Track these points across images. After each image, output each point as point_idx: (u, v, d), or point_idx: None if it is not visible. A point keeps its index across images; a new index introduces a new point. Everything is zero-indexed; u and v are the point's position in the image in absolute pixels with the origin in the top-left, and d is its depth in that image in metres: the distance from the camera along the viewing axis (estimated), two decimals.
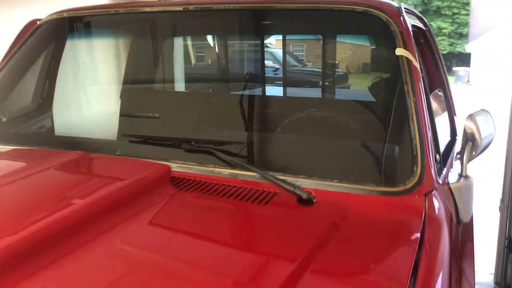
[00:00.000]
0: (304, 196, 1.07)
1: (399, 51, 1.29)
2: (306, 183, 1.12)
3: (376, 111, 1.39)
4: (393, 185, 1.11)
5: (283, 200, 1.08)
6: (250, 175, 1.17)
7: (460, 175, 1.34)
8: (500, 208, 2.98)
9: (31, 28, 1.96)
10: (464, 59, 27.47)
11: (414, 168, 1.12)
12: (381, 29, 1.34)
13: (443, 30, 30.40)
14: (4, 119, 1.70)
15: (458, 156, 1.70)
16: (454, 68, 25.59)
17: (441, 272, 0.86)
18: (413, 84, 1.24)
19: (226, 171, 1.20)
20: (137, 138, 1.37)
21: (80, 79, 2.01)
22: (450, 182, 1.30)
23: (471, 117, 1.37)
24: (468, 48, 25.58)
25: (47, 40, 1.83)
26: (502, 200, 2.95)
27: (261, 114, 1.50)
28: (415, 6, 28.39)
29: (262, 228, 1.02)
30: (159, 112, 1.62)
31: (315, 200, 1.08)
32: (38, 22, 1.95)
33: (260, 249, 0.91)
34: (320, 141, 1.37)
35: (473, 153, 1.38)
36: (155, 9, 1.61)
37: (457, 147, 1.84)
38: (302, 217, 1.04)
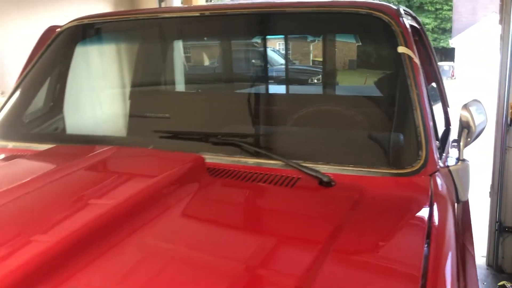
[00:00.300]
0: (325, 179, 1.20)
1: (401, 49, 1.43)
2: (325, 169, 1.26)
3: (383, 104, 1.53)
4: (402, 167, 1.25)
5: (306, 184, 1.21)
6: (273, 163, 1.31)
7: (458, 159, 1.50)
8: (490, 194, 3.16)
9: (50, 34, 2.07)
10: (448, 54, 27.89)
11: (420, 152, 1.27)
12: (383, 29, 1.49)
13: (426, 26, 30.78)
14: (34, 120, 1.81)
15: (454, 143, 1.86)
16: (439, 63, 25.92)
17: (451, 240, 0.99)
18: (415, 78, 1.38)
19: (251, 161, 1.33)
20: (168, 133, 1.47)
21: (103, 83, 2.13)
22: (449, 165, 1.45)
23: (465, 106, 1.54)
24: (452, 43, 25.98)
25: (70, 45, 1.94)
26: (492, 186, 3.13)
27: (279, 110, 1.65)
28: (399, 2, 28.74)
29: (294, 206, 1.14)
30: (181, 111, 1.77)
31: (333, 183, 1.22)
32: (56, 29, 2.07)
33: (296, 224, 1.05)
34: (335, 132, 1.52)
35: (468, 139, 1.54)
36: (174, 15, 1.75)
37: (452, 135, 1.99)
38: (326, 197, 1.17)
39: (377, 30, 1.53)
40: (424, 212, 1.09)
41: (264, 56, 1.97)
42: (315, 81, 2.00)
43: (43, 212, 0.98)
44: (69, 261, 0.81)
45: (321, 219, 1.06)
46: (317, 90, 1.97)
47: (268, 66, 2.09)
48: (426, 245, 0.92)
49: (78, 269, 0.80)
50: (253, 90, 1.82)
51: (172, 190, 1.12)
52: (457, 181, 1.43)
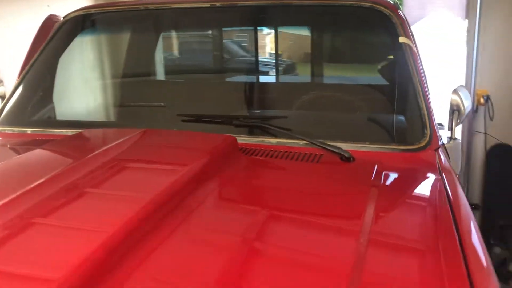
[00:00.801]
0: (346, 155, 1.34)
1: (402, 39, 1.59)
2: (343, 146, 1.40)
3: (390, 90, 1.69)
4: (411, 144, 1.42)
5: (329, 160, 1.35)
6: (295, 142, 1.43)
7: (450, 138, 1.69)
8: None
9: (49, 24, 2.10)
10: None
11: (425, 130, 1.43)
12: (385, 22, 1.64)
13: None
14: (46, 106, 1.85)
15: (439, 126, 2.07)
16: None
17: (467, 205, 1.13)
18: (416, 66, 1.55)
19: (274, 140, 1.45)
20: (191, 116, 1.56)
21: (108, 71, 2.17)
22: (444, 143, 1.63)
23: (455, 91, 1.73)
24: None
25: (73, 35, 1.97)
26: (460, 167, 3.39)
27: (296, 94, 1.79)
28: None
29: (329, 178, 1.30)
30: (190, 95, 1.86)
31: (353, 158, 1.36)
32: (54, 19, 2.10)
33: (334, 192, 1.20)
34: (351, 114, 1.69)
35: (458, 120, 1.74)
36: (178, 5, 1.82)
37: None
38: (351, 170, 1.32)
39: (379, 22, 1.69)
40: (438, 181, 1.24)
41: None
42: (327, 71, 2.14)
43: (100, 198, 0.98)
44: (135, 246, 0.79)
45: (356, 188, 1.20)
46: (332, 79, 2.12)
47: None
48: (450, 211, 1.06)
49: (145, 254, 0.79)
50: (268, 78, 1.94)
51: (220, 168, 1.19)
52: (451, 157, 1.62)
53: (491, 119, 3.10)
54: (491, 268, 0.86)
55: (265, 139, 1.46)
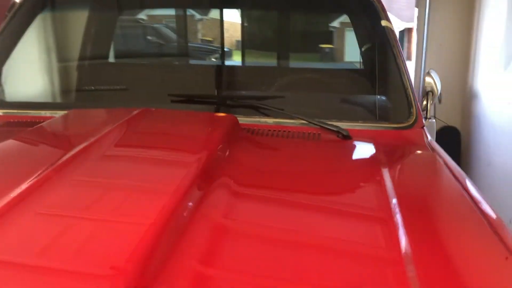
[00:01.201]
0: (345, 133, 1.37)
1: (384, 23, 1.65)
2: (339, 125, 1.43)
3: (374, 71, 1.73)
4: (400, 122, 1.47)
5: (329, 137, 1.38)
6: (291, 122, 1.43)
7: (425, 118, 1.78)
8: None
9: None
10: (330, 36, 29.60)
11: (411, 109, 1.49)
12: (368, 6, 1.69)
13: None
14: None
15: None
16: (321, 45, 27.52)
17: (463, 173, 1.21)
18: (398, 48, 1.62)
19: (271, 120, 1.45)
20: (182, 97, 1.51)
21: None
22: None
23: (429, 74, 1.82)
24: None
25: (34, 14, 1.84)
26: None
27: (289, 76, 1.85)
28: None
29: (332, 153, 1.33)
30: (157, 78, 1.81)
31: (349, 137, 1.39)
32: None
33: (344, 165, 1.25)
34: (342, 95, 1.74)
35: (431, 101, 1.83)
36: None
37: None
38: (354, 147, 1.36)
39: (363, 7, 1.75)
40: (434, 156, 1.32)
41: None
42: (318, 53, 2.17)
43: (127, 188, 0.92)
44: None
45: (366, 162, 1.26)
46: (320, 65, 2.18)
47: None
48: (455, 179, 1.13)
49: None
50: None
51: (232, 148, 1.18)
52: (429, 134, 1.71)
53: (440, 102, 3.28)
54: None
55: (261, 119, 1.46)
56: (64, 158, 0.94)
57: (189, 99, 1.52)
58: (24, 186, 0.81)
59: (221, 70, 2.04)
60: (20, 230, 0.71)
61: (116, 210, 0.81)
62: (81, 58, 2.06)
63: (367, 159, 1.28)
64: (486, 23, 3.21)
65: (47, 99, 1.83)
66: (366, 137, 1.39)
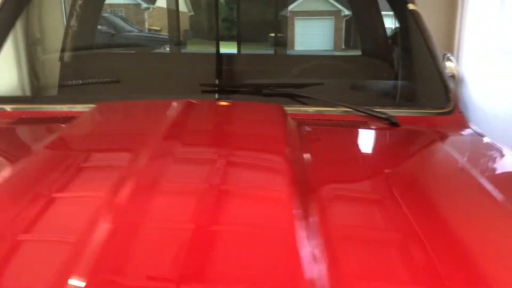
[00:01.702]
0: (394, 120, 1.28)
1: (412, 6, 1.57)
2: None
3: (408, 57, 1.67)
4: (442, 107, 1.41)
5: (378, 125, 1.29)
6: (333, 110, 1.35)
7: None
8: None
9: None
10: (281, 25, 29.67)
11: (449, 95, 1.43)
12: None
13: None
14: None
15: None
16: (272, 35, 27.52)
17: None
18: (428, 32, 1.54)
19: (311, 109, 1.36)
20: (212, 87, 1.43)
21: None
22: None
23: (447, 57, 1.78)
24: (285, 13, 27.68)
25: None
26: None
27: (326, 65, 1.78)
28: None
29: (400, 142, 1.28)
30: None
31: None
32: None
33: (423, 155, 1.20)
34: (381, 81, 1.70)
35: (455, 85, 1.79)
36: None
37: None
38: (404, 134, 1.29)
39: None
40: (482, 138, 1.30)
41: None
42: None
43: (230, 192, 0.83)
44: None
45: (432, 147, 1.23)
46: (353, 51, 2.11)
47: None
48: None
49: None
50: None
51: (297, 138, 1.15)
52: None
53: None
54: None
55: (301, 108, 1.37)
56: (139, 163, 0.83)
57: (223, 89, 1.45)
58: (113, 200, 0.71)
59: (250, 58, 1.97)
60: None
61: (244, 220, 0.72)
62: (75, 48, 1.90)
63: (437, 148, 1.24)
64: (471, 7, 3.21)
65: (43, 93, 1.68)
66: (414, 124, 1.33)
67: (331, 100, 1.35)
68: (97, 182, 0.83)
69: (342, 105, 1.34)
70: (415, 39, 1.58)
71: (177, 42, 2.31)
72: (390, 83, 1.67)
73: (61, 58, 1.83)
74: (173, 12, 2.16)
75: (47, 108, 1.35)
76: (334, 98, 1.39)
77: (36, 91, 1.72)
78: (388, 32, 1.94)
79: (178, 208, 0.73)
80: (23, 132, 1.27)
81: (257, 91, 1.43)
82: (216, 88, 1.48)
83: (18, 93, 1.67)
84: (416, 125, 1.32)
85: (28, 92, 1.71)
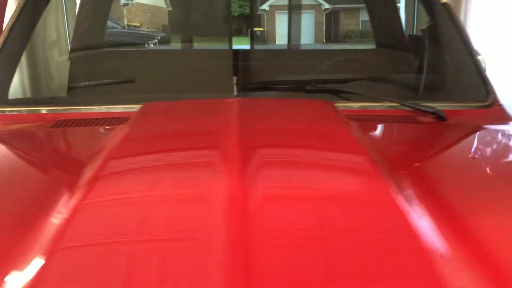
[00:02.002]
0: (441, 114, 1.29)
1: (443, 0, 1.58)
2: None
3: (444, 50, 1.65)
4: (483, 100, 1.41)
5: (425, 120, 1.29)
6: (377, 105, 1.34)
7: None
8: None
9: None
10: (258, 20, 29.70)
11: (487, 87, 1.43)
12: None
13: None
14: None
15: None
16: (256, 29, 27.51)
17: None
18: (461, 25, 1.56)
19: (355, 105, 1.35)
20: (255, 84, 1.42)
21: None
22: None
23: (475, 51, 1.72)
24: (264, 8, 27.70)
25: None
26: None
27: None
28: None
29: (457, 136, 1.29)
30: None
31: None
32: None
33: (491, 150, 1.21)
34: (422, 75, 1.65)
35: None
36: None
37: None
38: (453, 127, 1.29)
39: None
40: None
41: None
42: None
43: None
44: None
45: (487, 142, 1.22)
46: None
47: None
48: None
49: None
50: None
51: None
52: None
53: None
54: None
55: (345, 104, 1.35)
56: (233, 163, 0.80)
57: (263, 86, 1.44)
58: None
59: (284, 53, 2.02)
60: None
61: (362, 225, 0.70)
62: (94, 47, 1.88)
63: (496, 142, 1.26)
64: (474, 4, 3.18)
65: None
66: (459, 117, 1.33)
67: (380, 96, 1.35)
68: (206, 179, 0.81)
69: (389, 100, 1.33)
70: (451, 33, 1.57)
71: (189, 39, 2.27)
72: (430, 77, 1.65)
73: (72, 58, 1.75)
74: (155, 8, 2.08)
75: (85, 110, 1.30)
76: (373, 93, 1.40)
77: (52, 91, 1.63)
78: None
79: (296, 212, 0.71)
80: (77, 135, 1.21)
81: (300, 87, 1.41)
82: (256, 86, 1.46)
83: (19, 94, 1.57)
84: (461, 119, 1.32)
85: (29, 94, 1.62)
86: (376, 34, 2.14)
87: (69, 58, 1.74)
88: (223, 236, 0.61)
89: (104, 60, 1.78)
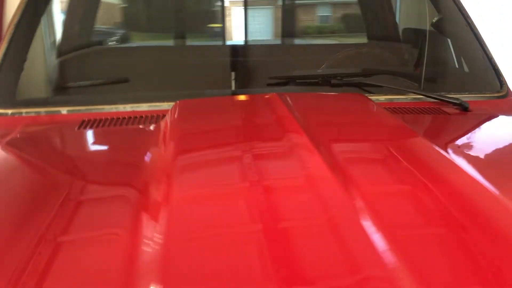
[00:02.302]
0: (466, 105, 1.32)
1: None
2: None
3: (458, 43, 1.69)
4: (500, 91, 1.46)
5: (450, 110, 1.32)
6: (403, 98, 1.37)
7: None
8: None
9: None
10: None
11: (501, 78, 1.49)
12: None
13: None
14: None
15: None
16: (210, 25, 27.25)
17: None
18: (470, 18, 1.58)
19: (382, 97, 1.37)
20: (280, 79, 1.42)
21: None
22: None
23: None
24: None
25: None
26: None
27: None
28: None
29: (477, 123, 1.31)
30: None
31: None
32: None
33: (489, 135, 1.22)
34: (442, 67, 1.72)
35: None
36: None
37: None
38: (482, 117, 1.33)
39: None
40: None
41: None
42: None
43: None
44: None
45: (492, 131, 1.25)
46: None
47: None
48: None
49: None
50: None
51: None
52: None
53: None
54: None
55: (373, 96, 1.35)
56: (311, 155, 0.79)
57: (291, 81, 1.44)
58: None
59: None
60: None
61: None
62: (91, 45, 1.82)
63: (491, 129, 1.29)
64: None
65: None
66: (479, 107, 1.36)
67: (406, 88, 1.38)
68: (296, 167, 0.80)
69: (415, 93, 1.37)
70: (463, 27, 1.60)
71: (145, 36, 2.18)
72: (449, 69, 1.70)
73: (63, 58, 1.66)
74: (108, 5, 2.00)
75: (108, 109, 1.25)
76: (396, 85, 1.43)
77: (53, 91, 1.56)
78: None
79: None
80: (116, 135, 1.15)
81: (326, 81, 1.40)
82: (282, 81, 1.45)
83: None
84: (482, 109, 1.36)
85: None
86: (368, 28, 2.16)
87: (57, 57, 1.68)
88: (349, 219, 0.60)
89: (103, 58, 1.72)
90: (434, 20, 1.78)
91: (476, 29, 1.58)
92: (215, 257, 0.56)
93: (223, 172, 0.83)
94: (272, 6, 2.99)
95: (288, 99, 1.17)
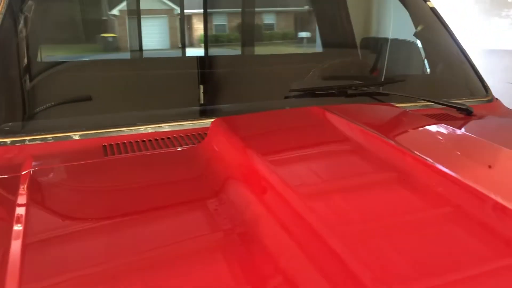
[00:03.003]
0: (471, 110, 1.38)
1: (430, 4, 1.70)
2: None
3: (439, 51, 1.76)
4: (486, 95, 1.56)
5: (457, 115, 1.38)
6: (412, 105, 1.41)
7: None
8: None
9: None
10: None
11: (484, 83, 1.58)
12: None
13: None
14: None
15: None
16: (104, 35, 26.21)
17: None
18: (449, 27, 1.65)
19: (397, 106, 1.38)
20: (297, 91, 1.42)
21: None
22: None
23: None
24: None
25: None
26: None
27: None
28: None
29: (489, 125, 1.38)
30: None
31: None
32: None
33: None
34: (436, 74, 1.76)
35: None
36: None
37: None
38: (489, 119, 1.40)
39: None
40: None
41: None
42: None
43: None
44: None
45: (496, 131, 1.31)
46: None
47: None
48: None
49: None
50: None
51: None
52: None
53: None
54: None
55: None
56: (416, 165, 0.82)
57: (309, 93, 1.42)
58: None
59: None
60: None
61: None
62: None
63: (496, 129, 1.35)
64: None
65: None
66: (479, 111, 1.42)
67: (414, 96, 1.42)
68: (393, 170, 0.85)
69: (424, 100, 1.41)
70: (443, 35, 1.67)
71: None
72: (440, 76, 1.74)
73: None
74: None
75: (127, 132, 1.15)
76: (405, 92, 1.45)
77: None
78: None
79: None
80: (150, 162, 1.03)
81: (341, 92, 1.41)
82: (302, 93, 1.44)
83: None
84: (483, 112, 1.42)
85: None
86: (322, 36, 2.18)
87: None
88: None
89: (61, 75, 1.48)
90: (417, 30, 1.85)
91: (455, 36, 1.67)
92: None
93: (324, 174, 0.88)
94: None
95: (336, 111, 1.17)
